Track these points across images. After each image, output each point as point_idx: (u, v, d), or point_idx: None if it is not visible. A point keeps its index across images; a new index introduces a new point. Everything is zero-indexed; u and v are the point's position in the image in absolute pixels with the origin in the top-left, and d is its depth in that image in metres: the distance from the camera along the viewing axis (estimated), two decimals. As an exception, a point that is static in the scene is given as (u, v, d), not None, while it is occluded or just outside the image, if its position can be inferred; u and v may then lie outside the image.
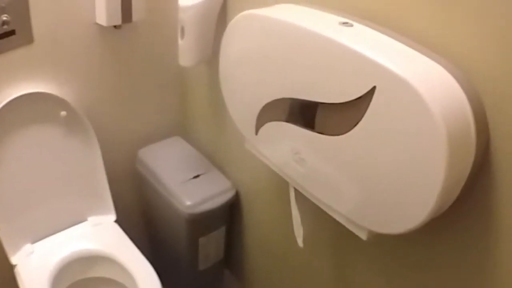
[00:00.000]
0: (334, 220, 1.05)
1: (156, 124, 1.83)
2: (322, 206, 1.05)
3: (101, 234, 1.65)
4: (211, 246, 1.73)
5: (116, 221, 1.69)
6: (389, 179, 0.85)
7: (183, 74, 1.77)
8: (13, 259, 1.56)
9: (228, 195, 1.62)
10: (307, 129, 0.97)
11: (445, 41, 0.88)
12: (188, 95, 1.80)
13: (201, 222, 1.61)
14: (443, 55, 0.87)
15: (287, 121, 1.02)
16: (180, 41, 1.46)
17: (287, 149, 1.04)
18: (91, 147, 1.58)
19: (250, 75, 1.08)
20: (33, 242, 1.61)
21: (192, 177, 1.63)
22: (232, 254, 1.93)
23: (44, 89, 1.49)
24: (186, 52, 1.46)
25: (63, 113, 1.51)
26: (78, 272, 1.62)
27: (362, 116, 0.85)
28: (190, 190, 1.59)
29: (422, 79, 0.79)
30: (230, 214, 1.73)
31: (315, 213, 1.17)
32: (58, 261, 1.56)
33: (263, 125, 1.09)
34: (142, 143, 1.81)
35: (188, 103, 1.82)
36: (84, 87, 1.60)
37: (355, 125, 0.87)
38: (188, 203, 1.56)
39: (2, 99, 1.44)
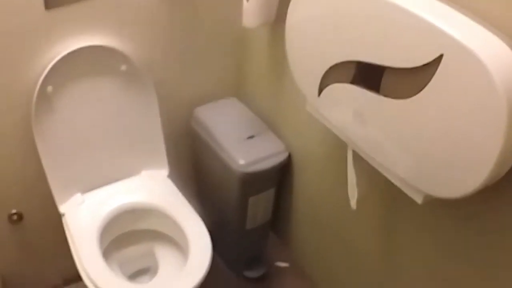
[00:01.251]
0: (388, 183, 1.14)
1: (213, 84, 1.92)
2: (379, 168, 1.14)
3: (154, 187, 1.77)
4: (259, 206, 1.84)
5: (168, 177, 1.81)
6: (448, 144, 0.93)
7: (244, 35, 1.85)
8: (62, 208, 1.68)
9: (281, 157, 1.72)
10: (372, 92, 1.06)
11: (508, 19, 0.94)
12: (247, 57, 1.88)
13: (253, 182, 1.72)
14: (506, 32, 0.92)
15: (352, 83, 1.09)
16: (245, 2, 1.53)
17: (349, 110, 1.13)
18: (149, 103, 1.68)
19: (318, 36, 1.15)
20: (84, 192, 1.74)
21: (246, 137, 1.73)
22: (279, 217, 2.02)
23: (106, 43, 1.58)
24: (251, 13, 1.54)
25: (124, 67, 1.60)
26: (128, 223, 1.75)
27: (428, 82, 0.92)
28: (244, 150, 1.69)
29: (488, 52, 0.85)
30: (281, 176, 1.82)
31: (370, 176, 1.27)
32: (108, 212, 1.68)
33: (326, 86, 1.18)
34: (198, 102, 1.90)
35: (246, 65, 1.90)
36: (145, 43, 1.69)
37: (420, 90, 0.94)
38: (242, 162, 1.66)
39: (64, 49, 1.52)
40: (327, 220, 1.73)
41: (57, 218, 1.72)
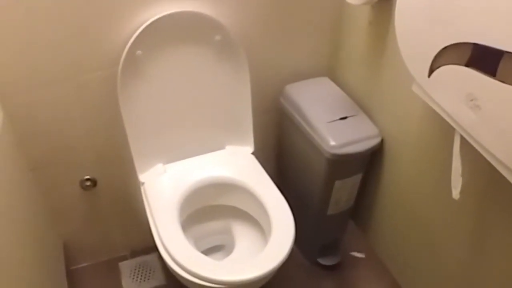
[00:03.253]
0: (494, 174, 1.15)
1: (306, 61, 1.97)
2: (488, 158, 1.16)
3: (237, 164, 1.83)
4: (344, 191, 1.87)
5: (253, 153, 1.87)
6: None
7: (343, 13, 1.88)
8: (142, 177, 1.76)
9: (374, 141, 1.75)
10: (488, 76, 1.06)
11: None
12: (344, 35, 1.91)
13: (342, 165, 1.75)
14: None
15: (466, 65, 1.10)
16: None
17: (462, 94, 1.13)
18: (240, 76, 1.73)
19: (432, 15, 1.16)
20: (166, 163, 1.81)
21: (338, 118, 1.77)
22: (361, 205, 2.06)
23: (203, 10, 1.60)
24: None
25: (218, 37, 1.64)
26: (208, 198, 1.82)
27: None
28: (335, 131, 1.72)
29: None
30: (371, 161, 1.86)
31: (474, 165, 1.28)
32: (189, 184, 1.75)
33: (438, 67, 1.20)
34: (289, 79, 1.95)
35: (342, 44, 1.93)
36: (241, 15, 1.73)
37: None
38: (333, 143, 1.69)
39: (158, 13, 1.54)
40: (416, 212, 1.75)
41: (132, 188, 1.83)
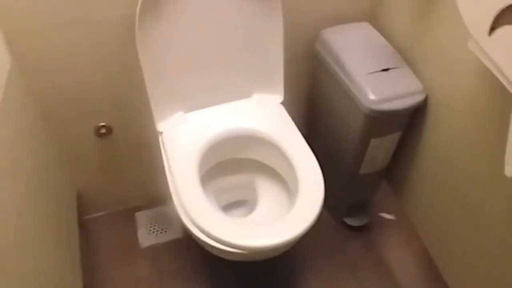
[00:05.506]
0: None
1: (345, 3, 1.79)
2: None
3: (265, 114, 1.70)
4: (380, 150, 1.73)
5: (281, 103, 1.74)
6: None
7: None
8: (160, 126, 1.64)
9: (417, 98, 1.59)
10: None
11: None
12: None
13: (381, 122, 1.60)
14: None
15: None
16: None
17: None
18: (273, 19, 1.57)
19: None
20: (186, 111, 1.69)
21: (380, 69, 1.61)
22: (397, 165, 1.92)
23: None
24: None
25: None
26: (232, 150, 1.71)
27: None
28: (376, 83, 1.57)
29: None
30: (412, 119, 1.71)
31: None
32: (211, 135, 1.64)
33: (501, 26, 1.12)
34: (326, 22, 1.79)
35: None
36: None
37: None
38: (373, 97, 1.55)
39: None
40: (458, 182, 1.63)
41: (150, 136, 1.71)
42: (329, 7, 1.79)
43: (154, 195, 2.07)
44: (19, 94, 1.46)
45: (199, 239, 1.42)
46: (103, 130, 1.78)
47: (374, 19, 1.84)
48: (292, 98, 1.82)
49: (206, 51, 1.60)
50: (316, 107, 1.94)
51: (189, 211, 1.42)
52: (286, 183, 1.69)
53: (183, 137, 1.63)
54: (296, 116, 1.72)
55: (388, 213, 2.12)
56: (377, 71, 1.62)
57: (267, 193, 1.76)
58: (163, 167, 1.60)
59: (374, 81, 1.58)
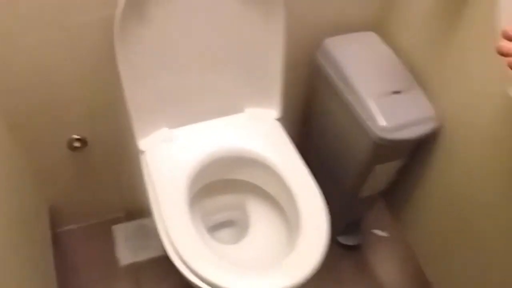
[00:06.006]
0: None
1: (349, 9, 1.63)
2: None
3: (258, 131, 1.55)
4: (384, 175, 1.59)
5: (277, 119, 1.58)
6: None
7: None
8: (142, 143, 1.47)
9: (430, 126, 1.44)
10: None
11: None
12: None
13: (389, 150, 1.46)
14: None
15: None
16: None
17: None
18: (273, 24, 1.40)
19: None
20: (172, 127, 1.52)
21: (390, 91, 1.45)
22: (398, 187, 1.79)
23: None
24: None
25: None
26: (223, 172, 1.57)
27: None
28: (386, 108, 1.41)
29: None
30: (420, 145, 1.57)
31: None
32: (200, 157, 1.49)
33: None
34: (327, 30, 1.62)
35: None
36: None
37: None
38: (383, 124, 1.39)
39: None
40: (462, 206, 1.51)
41: (130, 148, 1.54)
42: (332, 13, 1.62)
43: (133, 207, 1.90)
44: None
45: (187, 279, 1.26)
46: (76, 144, 1.60)
47: (381, 28, 1.67)
48: (287, 111, 1.64)
49: (195, 60, 1.42)
50: (314, 122, 1.78)
51: (180, 250, 1.27)
52: (282, 208, 1.54)
53: (169, 158, 1.46)
54: (290, 129, 1.58)
55: (382, 230, 1.98)
56: (387, 92, 1.46)
57: (259, 216, 1.61)
58: (144, 187, 1.46)
59: (384, 105, 1.43)
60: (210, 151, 1.49)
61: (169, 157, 1.46)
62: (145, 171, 1.46)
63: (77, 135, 1.60)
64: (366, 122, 1.42)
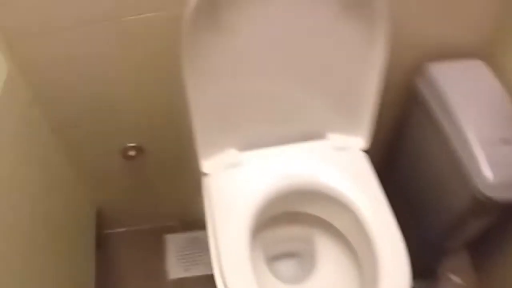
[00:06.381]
0: None
1: (456, 32, 1.40)
2: None
3: (341, 162, 1.34)
4: (474, 229, 1.40)
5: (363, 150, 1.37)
6: None
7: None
8: (206, 165, 1.30)
9: None
10: None
11: None
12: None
13: (491, 209, 1.25)
14: None
15: None
16: None
17: None
18: (373, 43, 1.19)
19: None
20: (241, 149, 1.34)
21: (501, 138, 1.23)
22: (485, 238, 1.57)
23: None
24: None
25: None
26: (294, 205, 1.41)
27: None
28: (496, 159, 1.19)
29: None
30: None
31: None
32: (270, 187, 1.30)
33: None
34: (429, 54, 1.41)
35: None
36: None
37: None
38: (490, 178, 1.18)
39: None
40: None
41: (188, 158, 1.38)
42: (437, 33, 1.40)
43: (190, 218, 1.72)
44: (18, 105, 1.20)
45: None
46: (131, 152, 1.47)
47: (490, 57, 1.43)
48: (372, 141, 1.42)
49: (276, 74, 1.23)
50: (402, 156, 1.59)
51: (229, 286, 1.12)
52: (354, 250, 1.35)
53: (234, 185, 1.29)
54: (373, 159, 1.38)
55: (459, 276, 1.73)
56: (496, 139, 1.24)
57: (326, 255, 1.43)
58: (203, 208, 1.32)
59: (493, 154, 1.21)
60: (282, 183, 1.31)
61: (234, 184, 1.29)
62: (206, 194, 1.30)
63: (133, 143, 1.46)
64: (469, 171, 1.21)
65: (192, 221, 1.74)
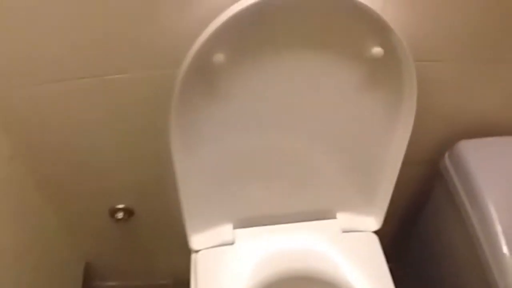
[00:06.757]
0: None
1: (495, 107, 1.21)
2: None
3: (350, 247, 1.17)
4: None
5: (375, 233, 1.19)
6: None
7: None
8: (196, 241, 1.15)
9: None
10: None
11: None
12: None
13: None
14: None
15: None
16: None
17: None
18: (397, 116, 1.02)
19: None
20: (237, 226, 1.18)
21: None
22: None
23: None
24: None
25: (377, 50, 0.91)
26: None
27: None
28: None
29: None
30: None
31: None
32: (267, 272, 1.14)
33: None
34: (463, 130, 1.24)
35: None
36: (426, 21, 1.01)
37: None
38: None
39: None
40: None
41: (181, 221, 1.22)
42: (473, 109, 1.21)
43: (184, 277, 1.56)
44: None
45: None
46: (120, 215, 1.33)
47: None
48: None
49: (278, 145, 1.06)
50: (418, 239, 1.42)
51: None
52: None
53: (225, 266, 1.13)
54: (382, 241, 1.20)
55: None
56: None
57: None
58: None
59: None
60: (281, 267, 1.14)
61: (226, 266, 1.13)
62: (193, 273, 1.16)
63: (122, 204, 1.33)
64: (494, 276, 1.03)
65: (186, 279, 1.58)
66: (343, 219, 1.19)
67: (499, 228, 1.05)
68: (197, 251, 1.14)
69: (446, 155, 1.21)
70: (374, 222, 1.19)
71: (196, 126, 0.96)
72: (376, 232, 1.18)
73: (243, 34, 0.85)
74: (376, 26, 0.85)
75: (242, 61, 0.89)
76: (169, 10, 0.91)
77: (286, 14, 0.84)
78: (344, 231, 1.18)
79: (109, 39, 0.95)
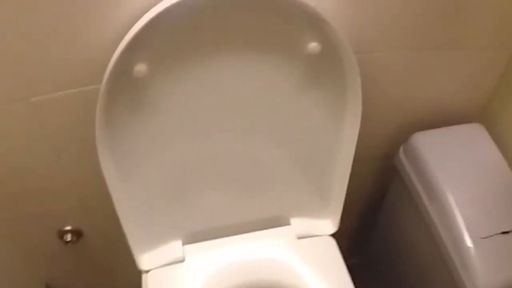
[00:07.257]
0: None
1: (450, 92, 1.16)
2: None
3: (307, 254, 1.11)
4: None
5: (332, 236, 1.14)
6: None
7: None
8: (143, 261, 1.08)
9: None
10: None
11: None
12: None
13: None
14: None
15: None
16: None
17: None
18: (343, 114, 0.96)
19: None
20: (187, 242, 1.11)
21: (499, 232, 1.00)
22: None
23: None
24: None
25: (314, 45, 0.84)
26: None
27: None
28: (491, 256, 0.96)
29: None
30: None
31: None
32: (220, 284, 1.08)
33: None
34: (417, 120, 1.18)
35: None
36: (364, 12, 0.95)
37: None
38: (483, 282, 0.94)
39: None
40: None
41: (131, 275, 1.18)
42: (426, 95, 1.16)
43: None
44: None
45: None
46: (68, 237, 1.26)
47: (491, 120, 1.20)
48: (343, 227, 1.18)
49: (221, 153, 1.00)
50: (379, 239, 1.36)
51: None
52: None
53: (179, 286, 1.06)
54: (341, 244, 1.15)
55: None
56: (492, 228, 1.00)
57: None
58: None
59: (487, 249, 0.97)
60: (235, 281, 1.08)
61: (179, 284, 1.06)
62: None
63: (69, 226, 1.26)
64: (457, 269, 0.98)
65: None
66: (298, 224, 1.13)
67: (460, 220, 1.00)
68: (147, 271, 1.07)
69: (401, 148, 1.17)
70: (330, 225, 1.13)
71: (126, 142, 0.89)
72: (334, 233, 1.13)
73: (165, 40, 0.78)
74: (310, 20, 0.80)
75: (168, 69, 0.83)
76: (89, 20, 0.85)
77: (211, 14, 0.78)
78: (300, 237, 1.12)
79: (31, 59, 0.89)
